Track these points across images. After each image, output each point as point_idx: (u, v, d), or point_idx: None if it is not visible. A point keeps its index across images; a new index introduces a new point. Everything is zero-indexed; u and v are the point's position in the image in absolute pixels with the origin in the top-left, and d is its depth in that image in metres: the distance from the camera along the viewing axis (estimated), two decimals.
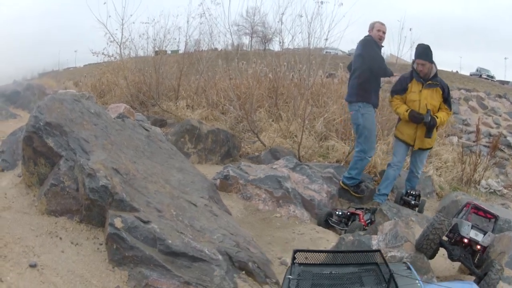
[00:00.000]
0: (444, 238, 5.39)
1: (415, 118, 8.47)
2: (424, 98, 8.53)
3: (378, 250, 4.20)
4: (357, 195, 9.37)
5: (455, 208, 8.21)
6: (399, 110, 8.71)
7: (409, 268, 4.10)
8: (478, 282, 4.84)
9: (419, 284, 3.77)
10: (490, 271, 4.79)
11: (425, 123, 8.43)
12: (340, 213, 8.00)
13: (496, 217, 5.46)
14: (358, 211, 7.97)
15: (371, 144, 9.10)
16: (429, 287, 4.18)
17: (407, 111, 8.56)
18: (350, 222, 7.84)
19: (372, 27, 8.84)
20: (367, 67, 8.88)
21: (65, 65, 58.58)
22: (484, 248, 5.22)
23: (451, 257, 5.26)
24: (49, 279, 4.54)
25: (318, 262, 4.19)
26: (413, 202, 8.68)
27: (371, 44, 8.85)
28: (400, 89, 8.83)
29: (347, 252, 4.51)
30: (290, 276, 3.81)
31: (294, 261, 4.16)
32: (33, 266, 4.62)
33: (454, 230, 5.28)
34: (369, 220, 7.89)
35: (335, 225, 7.85)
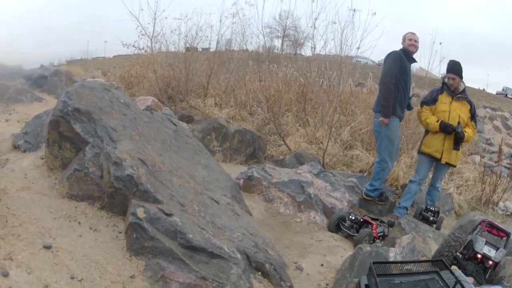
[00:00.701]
0: (458, 254, 5.43)
1: (446, 128, 8.48)
2: (454, 110, 8.59)
3: (441, 260, 4.53)
4: (381, 202, 9.38)
5: (471, 228, 8.23)
6: (428, 120, 8.70)
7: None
8: None
9: None
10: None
11: (456, 133, 8.44)
12: (353, 217, 7.89)
13: (508, 234, 5.58)
14: (373, 221, 7.91)
15: (390, 154, 9.06)
16: None
17: (437, 121, 8.58)
18: (361, 229, 7.75)
19: (404, 38, 8.83)
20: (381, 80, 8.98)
21: (93, 55, 59.16)
22: (496, 264, 5.27)
23: (464, 272, 5.13)
24: (62, 261, 4.55)
25: (388, 273, 4.45)
26: (431, 218, 8.64)
27: (394, 58, 8.80)
28: (430, 100, 8.89)
29: (415, 262, 4.72)
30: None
31: (371, 272, 4.41)
32: (47, 247, 4.63)
33: (469, 247, 5.35)
34: (382, 233, 7.85)
35: (345, 230, 7.78)
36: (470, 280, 4.99)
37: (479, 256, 5.22)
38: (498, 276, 5.26)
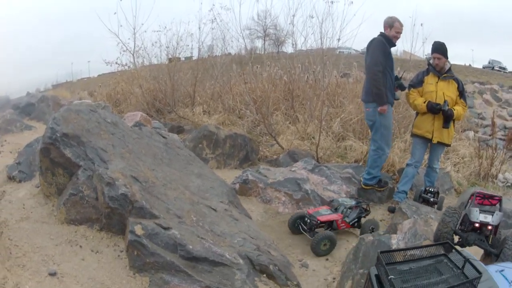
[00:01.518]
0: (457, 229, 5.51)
1: (433, 108, 8.51)
2: (440, 89, 8.62)
3: (447, 242, 4.59)
4: (381, 189, 9.37)
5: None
6: (416, 102, 8.74)
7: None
8: (495, 260, 4.99)
9: (483, 266, 4.15)
10: (504, 248, 4.94)
11: (443, 112, 8.46)
12: (308, 220, 7.32)
13: (500, 199, 5.69)
14: (334, 216, 7.38)
15: (387, 141, 9.06)
16: (489, 268, 4.39)
17: (424, 102, 8.62)
18: (317, 233, 7.13)
19: (390, 25, 8.68)
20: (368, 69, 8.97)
21: (78, 76, 59.21)
22: (496, 228, 5.33)
23: (468, 243, 5.30)
24: (69, 286, 4.58)
25: (396, 260, 4.47)
26: (432, 199, 8.68)
27: (378, 45, 8.75)
28: (416, 82, 8.93)
29: (422, 247, 4.71)
30: (392, 276, 4.03)
31: (379, 262, 4.37)
32: (52, 274, 4.66)
33: (465, 220, 5.41)
34: (357, 219, 7.63)
35: (304, 232, 7.36)
36: (475, 255, 5.09)
37: (477, 225, 5.27)
38: (502, 238, 5.29)
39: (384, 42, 8.66)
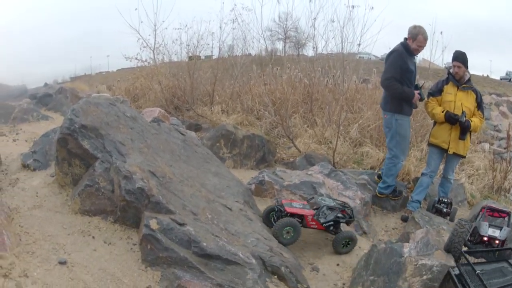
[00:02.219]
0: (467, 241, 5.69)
1: (450, 118, 8.50)
2: (459, 100, 8.61)
3: (510, 248, 5.09)
4: (395, 198, 9.37)
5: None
6: (434, 111, 8.74)
7: None
8: None
9: None
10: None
11: (460, 123, 8.45)
12: (277, 209, 6.95)
13: (509, 214, 6.02)
14: (304, 211, 6.93)
15: (403, 149, 9.05)
16: None
17: (443, 111, 8.61)
18: (299, 219, 6.84)
19: (414, 37, 8.58)
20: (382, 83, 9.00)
21: (97, 70, 59.39)
22: (503, 242, 5.54)
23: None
24: (78, 276, 4.60)
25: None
26: (445, 210, 8.66)
27: (395, 60, 8.70)
28: (435, 91, 8.93)
29: (495, 250, 5.30)
30: (479, 271, 4.44)
31: (459, 262, 4.85)
32: (62, 263, 4.70)
33: (475, 233, 5.69)
34: (331, 223, 6.99)
35: (273, 222, 6.89)
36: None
37: (485, 239, 5.56)
38: (507, 252, 5.41)
39: (401, 56, 8.59)
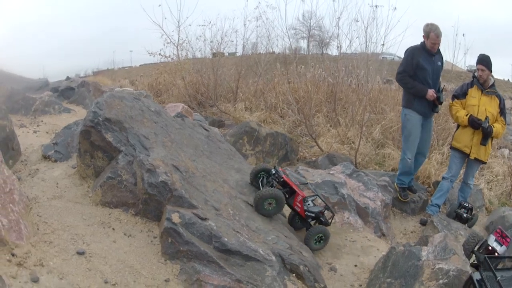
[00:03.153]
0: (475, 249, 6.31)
1: (474, 122, 8.52)
2: (482, 104, 8.62)
3: None
4: (400, 197, 9.45)
5: (501, 223, 8.66)
6: (458, 114, 8.74)
7: None
8: None
9: None
10: None
11: (482, 128, 8.44)
12: (274, 172, 6.76)
13: (510, 240, 6.50)
14: (298, 190, 6.70)
15: (409, 146, 9.12)
16: None
17: (466, 115, 8.61)
18: (286, 193, 6.65)
19: (426, 35, 8.75)
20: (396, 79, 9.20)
21: (120, 65, 59.70)
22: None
23: (478, 261, 5.82)
24: (96, 267, 4.63)
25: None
26: (465, 215, 8.64)
27: (405, 56, 9.00)
28: (460, 94, 8.94)
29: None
30: (499, 277, 4.62)
31: (484, 267, 5.02)
32: (80, 253, 4.72)
33: (485, 244, 6.24)
34: (313, 215, 6.79)
35: (261, 185, 6.74)
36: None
37: (490, 248, 6.12)
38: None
39: (413, 52, 8.82)
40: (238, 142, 10.80)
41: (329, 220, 6.92)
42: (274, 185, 6.66)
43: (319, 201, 7.14)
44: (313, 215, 6.76)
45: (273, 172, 6.75)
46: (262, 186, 6.66)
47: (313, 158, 11.83)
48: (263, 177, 6.86)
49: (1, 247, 4.22)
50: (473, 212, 8.92)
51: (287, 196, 6.61)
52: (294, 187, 6.65)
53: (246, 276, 4.90)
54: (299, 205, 6.63)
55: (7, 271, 4.01)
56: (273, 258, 5.20)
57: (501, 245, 6.22)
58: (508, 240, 6.36)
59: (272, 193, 6.19)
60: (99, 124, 6.05)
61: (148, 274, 4.78)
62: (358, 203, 8.08)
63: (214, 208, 5.55)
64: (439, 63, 9.01)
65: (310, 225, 6.82)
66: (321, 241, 6.65)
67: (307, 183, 7.50)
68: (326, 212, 6.95)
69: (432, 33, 8.62)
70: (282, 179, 6.61)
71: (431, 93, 8.60)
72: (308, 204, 6.81)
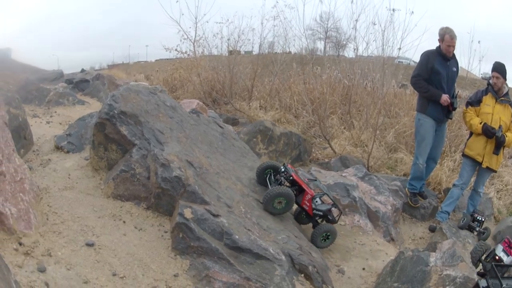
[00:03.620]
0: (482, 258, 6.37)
1: (487, 131, 8.47)
2: (496, 113, 8.57)
3: None
4: (410, 203, 9.42)
5: (509, 233, 8.52)
6: (472, 122, 8.70)
7: None
8: None
9: None
10: None
11: (496, 137, 8.41)
12: (283, 169, 6.69)
13: None
14: (307, 188, 6.65)
15: (420, 151, 9.12)
16: None
17: (480, 123, 8.57)
18: (295, 191, 6.60)
19: (441, 38, 8.75)
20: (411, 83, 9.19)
21: (135, 59, 59.98)
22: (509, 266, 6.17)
23: (484, 269, 6.01)
24: (105, 259, 4.67)
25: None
26: (477, 228, 8.58)
27: (420, 60, 9.01)
28: (474, 101, 8.88)
29: None
30: (504, 285, 4.83)
31: (490, 274, 5.21)
32: (90, 245, 4.76)
33: (492, 253, 6.25)
34: (321, 213, 6.73)
35: (269, 183, 6.71)
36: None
37: (497, 257, 6.12)
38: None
39: (428, 55, 8.82)
40: (252, 140, 10.82)
41: (337, 218, 6.92)
42: (283, 183, 6.62)
43: (327, 197, 7.12)
44: (321, 213, 6.73)
45: (282, 169, 6.69)
46: (270, 184, 6.66)
47: (326, 160, 11.84)
48: (271, 174, 6.85)
49: (8, 236, 4.27)
50: (486, 225, 8.89)
51: (296, 194, 6.59)
52: (303, 186, 6.61)
53: (255, 274, 4.93)
54: (308, 204, 6.62)
55: (13, 260, 4.05)
56: (283, 257, 5.22)
57: (508, 256, 6.20)
58: None
59: (284, 192, 6.17)
60: (114, 117, 6.10)
61: (157, 268, 4.82)
62: (369, 206, 8.08)
63: (227, 205, 5.58)
64: (454, 69, 9.00)
65: (317, 223, 6.80)
66: (328, 239, 6.66)
67: (315, 180, 7.48)
68: (333, 209, 6.94)
69: (447, 35, 8.62)
70: (291, 177, 6.56)
71: (445, 98, 8.57)
72: (316, 202, 6.78)
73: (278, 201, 6.18)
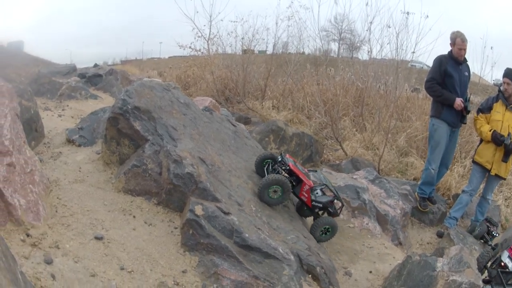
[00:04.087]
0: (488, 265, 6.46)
1: (496, 138, 8.43)
2: (506, 120, 8.53)
3: None
4: (419, 207, 9.40)
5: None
6: (482, 129, 8.67)
7: None
8: None
9: None
10: None
11: (504, 145, 8.37)
12: (280, 159, 6.65)
13: None
14: (305, 178, 6.54)
15: (434, 157, 9.09)
16: None
17: (490, 130, 8.53)
18: (293, 182, 6.53)
19: (453, 42, 8.79)
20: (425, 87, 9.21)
21: (148, 55, 60.18)
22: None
23: (490, 276, 6.15)
24: (113, 252, 4.69)
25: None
26: (490, 243, 8.52)
27: (433, 64, 9.02)
28: (485, 108, 8.84)
29: None
30: None
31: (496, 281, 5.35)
32: (99, 238, 4.79)
33: (498, 260, 6.29)
34: (321, 205, 6.60)
35: (267, 173, 6.61)
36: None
37: (502, 263, 6.16)
38: None
39: (441, 60, 8.84)
40: (264, 140, 10.85)
41: (338, 210, 6.81)
42: (280, 172, 6.52)
43: (329, 191, 6.97)
44: (320, 205, 6.60)
45: (279, 159, 6.66)
46: (267, 174, 6.51)
47: (337, 162, 11.85)
48: (269, 165, 6.77)
49: (16, 227, 4.31)
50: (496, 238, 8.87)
51: (294, 184, 6.51)
52: (300, 175, 6.49)
53: (264, 273, 4.95)
54: (306, 195, 6.52)
55: (20, 251, 4.09)
56: (292, 257, 5.24)
57: None
58: None
59: (278, 179, 6.06)
60: (128, 112, 6.13)
61: (165, 263, 4.84)
62: (378, 209, 8.09)
63: (237, 204, 5.61)
64: (466, 73, 9.01)
65: (318, 215, 6.76)
66: (328, 233, 6.58)
67: (315, 171, 7.51)
68: (335, 201, 6.77)
69: (458, 38, 8.66)
70: (288, 167, 6.47)
71: (458, 101, 8.58)
72: (317, 193, 6.68)
73: (273, 190, 6.09)
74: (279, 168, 6.58)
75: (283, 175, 6.38)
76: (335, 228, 6.59)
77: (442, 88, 8.69)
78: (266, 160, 6.78)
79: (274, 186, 6.06)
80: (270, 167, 6.72)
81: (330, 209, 6.69)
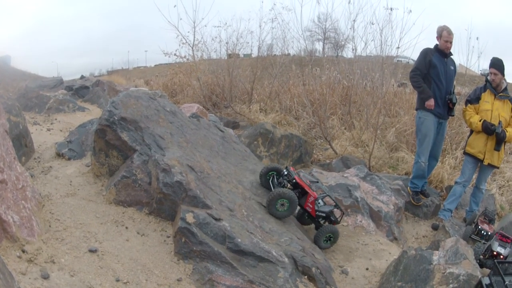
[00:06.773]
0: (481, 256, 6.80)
1: (487, 128, 8.48)
2: (496, 109, 8.59)
3: None
4: (413, 201, 9.44)
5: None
6: (472, 120, 8.72)
7: None
8: None
9: None
10: None
11: (496, 134, 8.41)
12: (286, 173, 6.73)
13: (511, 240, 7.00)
14: (310, 190, 6.68)
15: (422, 149, 9.12)
16: None
17: (480, 120, 8.59)
18: (298, 194, 6.60)
19: (439, 35, 8.89)
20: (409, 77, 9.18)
21: (134, 64, 60.25)
22: (505, 258, 6.60)
23: (486, 266, 6.51)
24: (108, 264, 4.67)
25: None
26: (483, 241, 8.46)
27: (419, 55, 9.07)
28: (473, 98, 8.90)
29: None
30: (507, 282, 4.76)
31: (494, 272, 5.11)
32: (93, 251, 4.77)
33: (488, 249, 6.75)
34: (324, 214, 6.80)
35: (272, 185, 6.73)
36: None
37: (495, 253, 6.59)
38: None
39: (427, 52, 8.92)
40: (253, 143, 10.85)
41: (339, 219, 6.97)
42: (286, 185, 6.61)
43: (329, 199, 7.13)
44: (324, 214, 6.80)
45: (285, 172, 6.73)
46: (273, 187, 6.65)
47: (327, 161, 11.87)
48: (273, 177, 6.86)
49: (11, 243, 4.27)
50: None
51: (299, 196, 6.58)
52: (306, 188, 6.63)
53: (259, 277, 4.93)
54: (311, 206, 6.66)
55: (16, 267, 4.06)
56: (286, 259, 5.23)
57: (505, 248, 6.65)
58: (509, 240, 6.80)
59: (286, 193, 6.14)
60: (115, 123, 6.12)
61: (160, 273, 4.83)
62: (371, 206, 8.09)
63: (228, 209, 5.60)
64: (452, 67, 9.08)
65: (320, 224, 6.85)
66: (330, 240, 6.72)
67: (317, 182, 7.47)
68: (335, 210, 6.95)
69: (444, 31, 8.77)
70: (294, 180, 6.60)
71: (431, 103, 8.67)
72: (319, 203, 6.82)
73: (281, 203, 6.17)
74: (284, 181, 6.67)
75: (288, 188, 6.48)
76: (337, 235, 6.76)
77: (427, 80, 8.72)
78: (271, 172, 6.86)
79: (283, 200, 6.15)
80: (276, 180, 6.80)
81: (332, 218, 6.85)
